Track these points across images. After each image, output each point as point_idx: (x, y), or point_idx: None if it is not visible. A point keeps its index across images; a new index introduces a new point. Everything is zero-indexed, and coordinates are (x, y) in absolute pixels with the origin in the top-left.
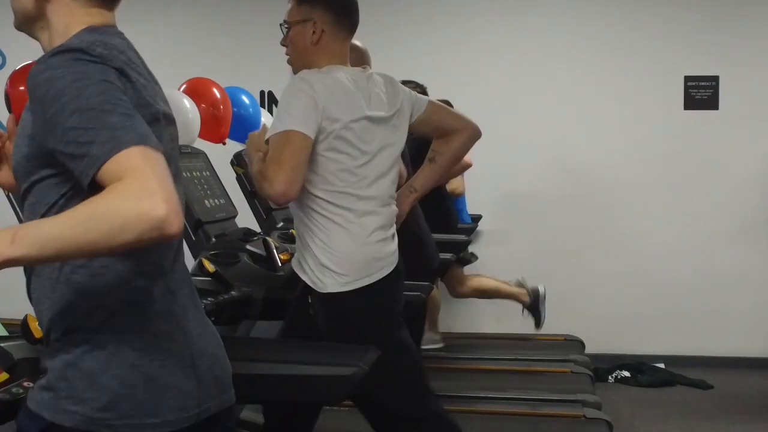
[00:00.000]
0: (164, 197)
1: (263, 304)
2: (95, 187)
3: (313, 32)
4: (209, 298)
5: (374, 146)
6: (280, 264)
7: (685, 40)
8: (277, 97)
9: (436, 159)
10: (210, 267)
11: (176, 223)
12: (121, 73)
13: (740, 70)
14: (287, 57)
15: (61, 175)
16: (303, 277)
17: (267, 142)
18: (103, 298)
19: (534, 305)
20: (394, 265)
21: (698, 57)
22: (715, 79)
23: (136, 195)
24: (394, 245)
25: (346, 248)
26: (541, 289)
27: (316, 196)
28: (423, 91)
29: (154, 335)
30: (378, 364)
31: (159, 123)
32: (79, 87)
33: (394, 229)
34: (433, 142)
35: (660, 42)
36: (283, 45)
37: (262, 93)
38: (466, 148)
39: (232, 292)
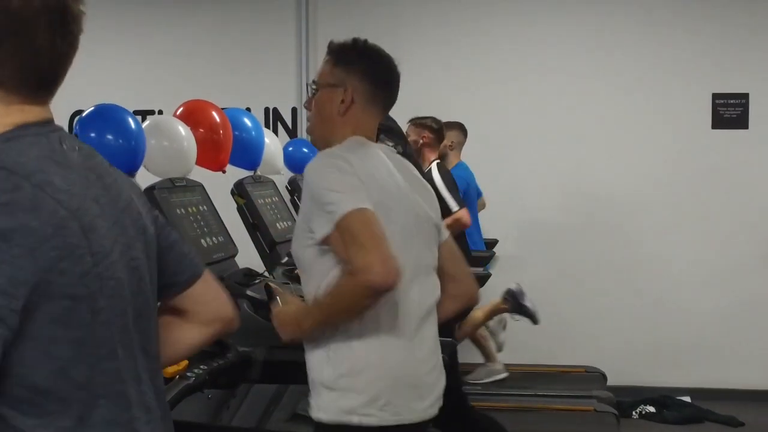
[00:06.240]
0: None
1: (263, 366)
2: None
3: (342, 101)
4: (202, 366)
5: None
6: None
7: (713, 56)
8: (283, 114)
9: None
10: None
11: None
12: None
13: None
14: (308, 123)
15: None
16: None
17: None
18: None
19: (517, 305)
20: None
21: (727, 73)
22: (745, 96)
23: None
24: None
25: None
26: (513, 286)
27: None
28: (440, 127)
29: None
30: None
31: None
32: None
33: None
34: None
35: (686, 58)
36: (307, 108)
37: (266, 110)
38: None
39: (229, 355)
